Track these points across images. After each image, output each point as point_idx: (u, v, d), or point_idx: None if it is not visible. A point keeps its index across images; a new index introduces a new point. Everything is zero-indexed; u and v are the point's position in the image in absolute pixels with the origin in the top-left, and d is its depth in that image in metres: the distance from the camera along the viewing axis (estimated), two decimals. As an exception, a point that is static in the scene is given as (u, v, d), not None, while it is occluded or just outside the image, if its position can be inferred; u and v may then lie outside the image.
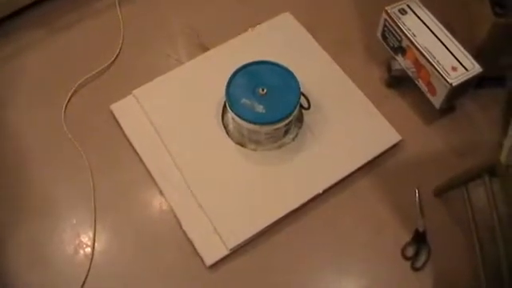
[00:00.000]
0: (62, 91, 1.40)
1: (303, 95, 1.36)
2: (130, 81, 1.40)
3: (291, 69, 1.29)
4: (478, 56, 1.33)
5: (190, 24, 1.52)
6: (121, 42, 1.48)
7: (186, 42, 1.50)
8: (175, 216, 1.26)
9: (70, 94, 1.40)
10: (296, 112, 1.30)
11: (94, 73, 1.43)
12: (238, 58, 1.30)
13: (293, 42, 1.49)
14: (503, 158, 1.02)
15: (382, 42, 1.47)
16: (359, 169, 1.34)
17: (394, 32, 1.41)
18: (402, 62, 1.43)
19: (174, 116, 1.36)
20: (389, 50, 1.46)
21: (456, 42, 1.36)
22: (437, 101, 1.38)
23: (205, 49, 1.47)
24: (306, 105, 1.38)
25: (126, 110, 1.38)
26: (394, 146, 1.38)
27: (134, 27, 1.51)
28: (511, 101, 0.98)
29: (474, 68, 1.31)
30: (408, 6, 1.42)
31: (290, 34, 1.51)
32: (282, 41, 1.48)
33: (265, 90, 1.30)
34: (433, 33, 1.38)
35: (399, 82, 1.45)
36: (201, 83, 1.40)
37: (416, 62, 1.38)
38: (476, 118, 1.42)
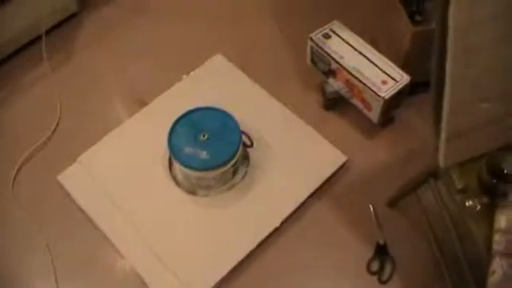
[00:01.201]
0: (6, 168, 1.39)
1: (244, 134, 1.37)
2: (73, 147, 1.40)
3: (229, 110, 1.31)
4: (404, 66, 1.38)
5: (126, 79, 1.53)
6: (59, 108, 1.48)
7: (123, 99, 1.50)
8: (139, 275, 1.25)
9: (15, 170, 1.39)
10: (240, 152, 1.32)
11: (37, 145, 1.42)
12: (177, 108, 1.32)
13: (227, 83, 1.51)
14: (441, 162, 1.03)
15: (313, 67, 1.50)
16: (312, 195, 1.36)
17: (321, 57, 1.44)
18: (335, 84, 1.46)
19: (122, 176, 1.36)
20: (320, 74, 1.49)
21: (382, 57, 1.40)
22: (374, 116, 1.41)
23: (143, 103, 1.49)
24: (248, 142, 1.39)
25: (73, 178, 1.37)
26: (342, 166, 1.40)
27: (70, 91, 1.51)
28: (436, 105, 0.98)
29: (403, 78, 1.36)
30: (331, 29, 1.46)
31: (223, 75, 1.53)
32: (216, 83, 1.50)
33: (206, 136, 1.31)
34: (359, 51, 1.41)
35: (336, 104, 1.48)
36: (144, 139, 1.41)
37: (347, 82, 1.41)
38: (415, 124, 1.45)
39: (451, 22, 0.86)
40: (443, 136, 1.00)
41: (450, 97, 0.93)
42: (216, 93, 1.47)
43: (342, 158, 1.40)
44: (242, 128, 1.31)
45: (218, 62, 1.57)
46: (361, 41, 1.42)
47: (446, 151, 1.02)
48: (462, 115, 0.97)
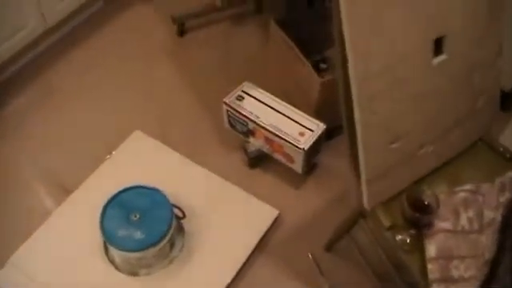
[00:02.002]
0: None
1: (175, 207, 1.37)
2: (3, 248, 1.36)
3: (157, 184, 1.31)
4: (317, 115, 1.43)
5: (48, 168, 1.51)
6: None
7: (46, 189, 1.48)
8: None
9: None
10: (174, 225, 1.32)
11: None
12: (104, 191, 1.31)
13: (150, 158, 1.51)
14: (365, 203, 1.07)
15: (232, 130, 1.52)
16: (251, 254, 1.37)
17: (238, 119, 1.47)
18: (256, 143, 1.50)
19: (58, 269, 1.33)
20: (240, 135, 1.51)
21: (296, 110, 1.45)
22: (297, 166, 1.45)
23: (68, 191, 1.47)
24: (180, 214, 1.39)
25: (7, 279, 1.32)
26: (275, 220, 1.42)
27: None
28: (351, 149, 1.01)
29: (319, 127, 1.41)
30: (243, 91, 1.50)
31: (145, 150, 1.53)
32: (140, 160, 1.50)
33: (138, 215, 1.30)
34: (273, 108, 1.46)
35: (260, 160, 1.52)
36: (75, 227, 1.39)
37: (267, 140, 1.45)
38: (337, 166, 1.51)
39: (351, 74, 0.90)
40: (363, 178, 1.02)
41: (362, 141, 0.96)
42: (141, 169, 1.46)
43: (274, 213, 1.43)
44: (171, 201, 1.31)
45: (138, 138, 1.57)
46: (273, 97, 1.46)
47: (368, 193, 1.05)
48: (377, 157, 1.00)
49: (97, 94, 1.67)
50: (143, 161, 1.53)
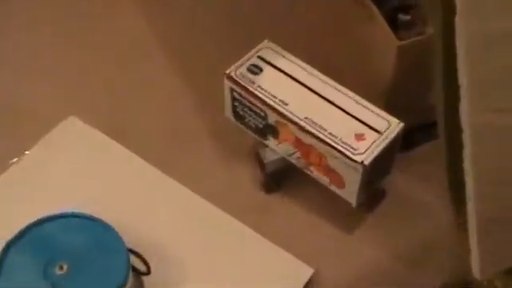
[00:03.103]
0: None
1: (133, 253, 1.29)
2: None
3: (102, 213, 1.26)
4: (389, 105, 1.35)
5: None
6: None
7: None
8: None
9: None
10: (129, 285, 1.26)
11: None
12: (6, 221, 1.29)
13: (91, 164, 1.48)
14: (476, 272, 1.01)
15: (237, 123, 1.44)
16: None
17: (250, 106, 1.38)
18: (278, 148, 1.41)
19: None
20: (251, 134, 1.43)
21: (351, 95, 1.35)
22: (350, 193, 1.35)
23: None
24: (143, 268, 1.32)
25: None
26: (308, 283, 1.38)
27: None
28: (452, 169, 0.98)
29: (391, 126, 1.32)
30: (260, 57, 1.39)
31: (82, 150, 1.51)
32: (71, 166, 1.47)
33: (65, 267, 1.20)
34: (311, 90, 1.36)
35: (282, 179, 1.46)
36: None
37: (298, 143, 1.36)
38: (420, 197, 1.45)
39: (461, 40, 0.82)
40: (475, 228, 0.97)
41: (477, 161, 0.89)
42: (73, 183, 1.43)
43: (307, 272, 1.36)
44: (127, 243, 1.25)
45: (72, 128, 1.52)
46: (313, 71, 1.37)
47: (482, 254, 1.00)
48: (502, 191, 0.94)
49: (24, 59, 1.69)
50: (78, 168, 1.46)
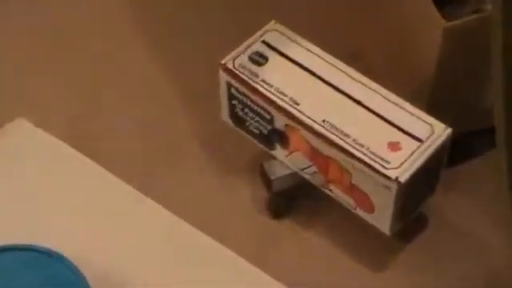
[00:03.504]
0: None
1: None
2: None
3: (61, 245, 1.25)
4: (432, 105, 1.32)
5: None
6: None
7: None
8: None
9: None
10: None
11: None
12: None
13: (46, 179, 1.47)
14: None
15: (236, 129, 1.43)
16: None
17: (252, 106, 1.35)
18: (288, 161, 1.38)
19: None
20: (254, 141, 1.42)
21: (385, 92, 1.31)
22: (381, 220, 1.30)
23: None
24: None
25: None
26: None
27: None
28: None
29: (434, 131, 1.27)
30: (265, 42, 1.36)
31: (33, 162, 1.49)
32: (17, 182, 1.47)
33: None
34: (331, 85, 1.32)
35: (294, 200, 1.44)
36: None
37: (314, 154, 1.31)
38: (471, 229, 1.42)
39: None
40: None
41: None
42: (20, 207, 1.43)
43: None
44: (91, 279, 1.22)
45: (19, 133, 1.53)
46: (334, 61, 1.35)
47: None
48: None
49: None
50: (26, 185, 1.45)
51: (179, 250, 1.44)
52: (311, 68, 1.36)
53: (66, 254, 1.30)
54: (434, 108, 1.33)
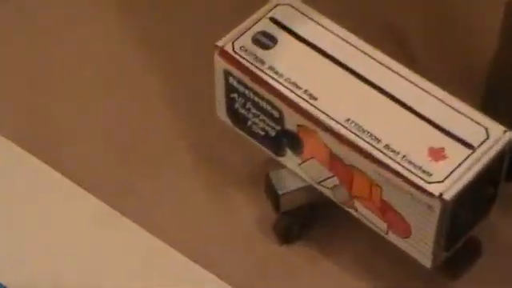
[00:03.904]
0: None
1: None
2: None
3: (14, 271, 1.35)
4: (489, 102, 1.36)
5: None
6: None
7: None
8: None
9: None
10: None
11: None
12: None
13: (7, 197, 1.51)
14: None
15: (236, 129, 1.41)
16: None
17: (257, 100, 1.34)
18: (301, 170, 1.37)
19: None
20: (258, 146, 1.40)
21: (427, 85, 1.32)
22: (421, 248, 1.29)
23: None
24: None
25: None
26: None
27: None
28: None
29: (490, 135, 1.27)
30: (273, 19, 1.36)
31: None
32: None
33: None
34: (357, 75, 1.32)
35: (308, 221, 1.45)
36: None
37: (334, 163, 1.31)
38: None
39: None
40: None
41: None
42: None
43: None
44: None
45: None
46: (361, 44, 1.35)
47: None
48: None
49: None
50: None
51: (161, 283, 1.43)
52: (331, 53, 1.33)
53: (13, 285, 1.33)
54: (490, 106, 1.33)
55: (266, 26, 1.35)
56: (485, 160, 1.23)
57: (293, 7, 1.38)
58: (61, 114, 1.64)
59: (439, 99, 1.30)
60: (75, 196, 1.52)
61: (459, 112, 1.28)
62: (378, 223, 1.31)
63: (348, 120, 1.27)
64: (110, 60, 1.71)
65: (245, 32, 1.34)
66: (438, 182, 1.20)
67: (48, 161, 1.55)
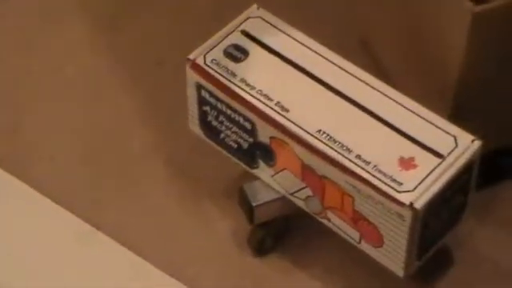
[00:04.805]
0: None
1: None
2: None
3: None
4: (458, 110, 1.36)
5: None
6: None
7: None
8: None
9: None
10: None
11: None
12: None
13: None
14: None
15: (208, 141, 1.42)
16: None
17: (229, 113, 1.35)
18: (274, 182, 1.37)
19: None
20: (232, 157, 1.40)
21: (396, 95, 1.33)
22: (393, 257, 1.29)
23: None
24: None
25: None
26: None
27: None
28: None
29: (459, 144, 1.28)
30: (245, 32, 1.37)
31: None
32: None
33: None
34: (327, 86, 1.34)
35: (282, 233, 1.46)
36: None
37: (307, 174, 1.31)
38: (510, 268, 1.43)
39: None
40: None
41: None
42: None
43: None
44: None
45: None
46: (331, 55, 1.36)
47: None
48: None
49: None
50: None
51: None
52: (303, 65, 1.34)
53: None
54: (458, 115, 1.34)
55: (237, 38, 1.38)
56: (454, 168, 1.25)
57: (264, 20, 1.40)
58: (33, 128, 1.66)
59: (409, 109, 1.32)
60: (51, 212, 1.54)
61: (428, 121, 1.30)
62: (350, 233, 1.33)
63: (319, 131, 1.29)
64: (80, 73, 1.74)
65: (216, 45, 1.37)
66: (409, 191, 1.22)
67: (20, 176, 1.57)
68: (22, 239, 1.50)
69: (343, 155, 1.26)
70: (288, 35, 1.38)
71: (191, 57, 1.34)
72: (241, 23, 1.39)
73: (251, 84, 1.33)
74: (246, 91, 1.32)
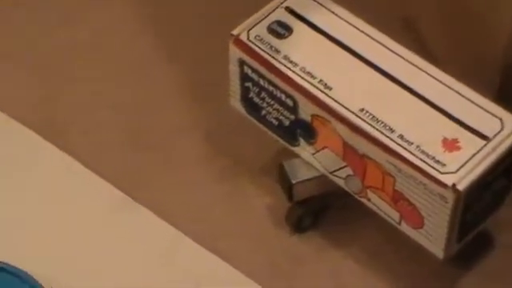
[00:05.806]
0: None
1: None
2: None
3: (25, 263, 1.33)
4: (505, 92, 1.35)
5: None
6: None
7: None
8: None
9: None
10: None
11: None
12: None
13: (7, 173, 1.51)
14: None
15: (250, 118, 1.41)
16: None
17: (271, 89, 1.34)
18: (315, 160, 1.36)
19: None
20: (272, 135, 1.39)
21: (441, 75, 1.31)
22: (433, 239, 1.27)
23: None
24: None
25: None
26: None
27: None
28: None
29: (504, 126, 1.27)
30: (289, 9, 1.36)
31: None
32: None
33: None
34: (372, 65, 1.32)
35: (322, 211, 1.45)
36: None
37: (348, 153, 1.30)
38: None
39: None
40: None
41: None
42: None
43: None
44: None
45: None
46: (376, 34, 1.35)
47: None
48: None
49: None
50: None
51: (177, 271, 1.43)
52: (347, 43, 1.33)
53: (38, 275, 1.33)
54: (505, 96, 1.32)
55: (281, 15, 1.37)
56: (499, 151, 1.24)
57: (307, -4, 1.37)
58: (73, 100, 1.67)
59: (454, 90, 1.30)
60: (89, 182, 1.54)
61: (474, 103, 1.29)
62: (390, 213, 1.32)
63: (362, 110, 1.28)
64: (123, 47, 1.73)
65: (260, 21, 1.36)
66: (452, 172, 1.21)
67: (60, 146, 1.56)
68: (59, 206, 1.51)
69: (386, 135, 1.25)
70: (332, 12, 1.37)
71: (234, 32, 1.33)
72: (285, 0, 1.37)
73: (294, 61, 1.32)
74: (289, 68, 1.31)
